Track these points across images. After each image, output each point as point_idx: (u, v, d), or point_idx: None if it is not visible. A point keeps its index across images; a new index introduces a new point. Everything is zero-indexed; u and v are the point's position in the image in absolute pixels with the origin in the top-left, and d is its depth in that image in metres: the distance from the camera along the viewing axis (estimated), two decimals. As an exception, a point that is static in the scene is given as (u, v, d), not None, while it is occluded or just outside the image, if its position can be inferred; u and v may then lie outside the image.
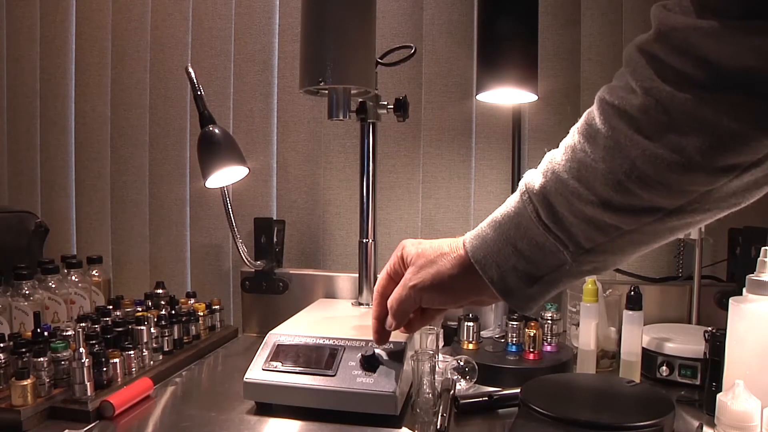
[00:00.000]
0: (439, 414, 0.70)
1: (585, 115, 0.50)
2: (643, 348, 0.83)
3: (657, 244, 0.51)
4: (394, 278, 0.65)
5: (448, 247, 0.59)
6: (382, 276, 0.68)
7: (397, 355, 0.73)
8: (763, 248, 0.68)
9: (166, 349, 0.92)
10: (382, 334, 0.68)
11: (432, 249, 0.60)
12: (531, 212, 0.52)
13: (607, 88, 0.48)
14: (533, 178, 0.53)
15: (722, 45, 0.39)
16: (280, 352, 0.76)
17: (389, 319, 0.64)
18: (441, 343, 0.98)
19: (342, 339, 0.77)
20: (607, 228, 0.49)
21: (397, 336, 0.77)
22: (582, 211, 0.49)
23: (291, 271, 1.16)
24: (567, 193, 0.49)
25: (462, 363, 0.81)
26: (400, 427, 0.70)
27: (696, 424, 0.70)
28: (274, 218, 1.23)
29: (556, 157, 0.51)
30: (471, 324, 0.92)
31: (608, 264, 0.53)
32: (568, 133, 0.51)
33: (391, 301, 0.63)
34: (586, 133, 0.48)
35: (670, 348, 0.84)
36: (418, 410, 0.72)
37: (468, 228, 0.59)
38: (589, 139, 0.48)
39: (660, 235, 0.50)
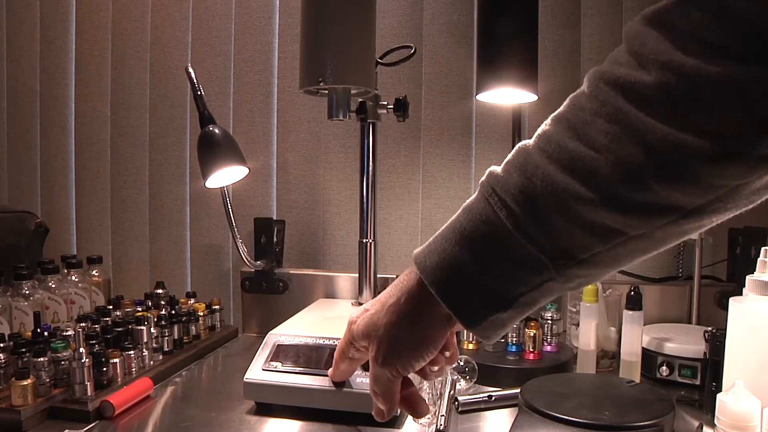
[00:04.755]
0: (439, 414, 0.70)
1: (568, 100, 0.41)
2: (643, 348, 0.83)
3: (659, 250, 0.43)
4: (348, 355, 0.57)
5: (393, 296, 0.49)
6: (337, 350, 0.60)
7: (397, 355, 0.73)
8: (763, 248, 0.68)
9: (166, 349, 0.92)
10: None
11: (376, 311, 0.51)
12: (505, 219, 0.42)
13: (602, 68, 0.40)
14: (505, 178, 0.43)
15: None
16: (280, 352, 0.76)
17: (380, 407, 0.53)
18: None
19: (342, 339, 0.77)
20: (609, 233, 0.40)
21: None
22: (577, 214, 0.39)
23: (291, 271, 1.16)
24: (558, 191, 0.39)
25: (462, 363, 0.81)
26: (401, 427, 0.70)
27: (696, 424, 0.70)
28: (274, 218, 1.23)
29: (531, 151, 0.42)
30: (471, 324, 0.92)
31: (597, 278, 0.44)
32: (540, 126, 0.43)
33: (371, 386, 0.53)
34: (575, 119, 0.40)
35: (670, 348, 0.84)
36: (418, 410, 0.72)
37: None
38: (581, 125, 0.39)
39: (667, 241, 0.42)
